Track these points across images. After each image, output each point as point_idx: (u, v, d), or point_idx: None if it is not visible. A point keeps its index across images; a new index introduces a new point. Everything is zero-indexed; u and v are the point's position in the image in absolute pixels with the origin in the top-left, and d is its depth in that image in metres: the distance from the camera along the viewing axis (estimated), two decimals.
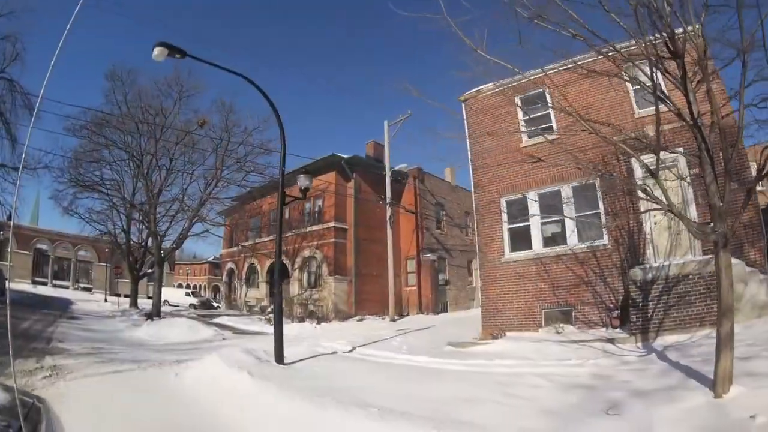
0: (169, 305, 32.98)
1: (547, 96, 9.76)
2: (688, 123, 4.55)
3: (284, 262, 25.29)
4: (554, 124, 10.31)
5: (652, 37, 4.60)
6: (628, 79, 5.73)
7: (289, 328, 17.49)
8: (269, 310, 24.66)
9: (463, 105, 11.97)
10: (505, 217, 10.78)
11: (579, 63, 5.68)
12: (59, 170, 20.27)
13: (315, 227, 23.63)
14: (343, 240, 22.97)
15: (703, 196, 6.75)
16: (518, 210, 10.68)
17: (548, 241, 10.38)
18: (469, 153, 11.63)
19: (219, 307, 35.42)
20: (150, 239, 21.37)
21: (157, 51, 7.41)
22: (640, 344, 7.78)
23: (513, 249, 10.64)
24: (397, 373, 7.34)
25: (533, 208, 10.36)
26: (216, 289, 64.36)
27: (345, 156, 22.90)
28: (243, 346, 10.12)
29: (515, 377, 6.45)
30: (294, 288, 24.18)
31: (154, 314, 19.63)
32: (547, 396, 5.34)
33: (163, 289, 38.81)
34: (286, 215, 26.06)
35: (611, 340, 8.10)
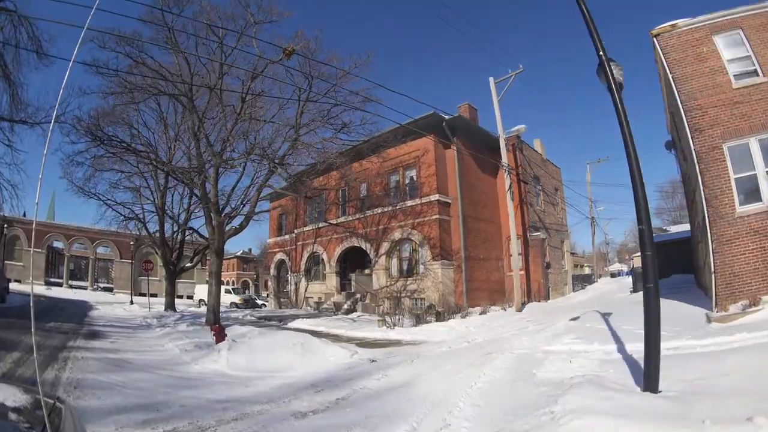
0: (206, 305, 28.21)
1: (743, 37, 10.03)
2: None
3: (363, 248, 20.42)
4: (758, 67, 9.83)
5: None
6: None
7: (432, 330, 12.57)
8: (345, 307, 19.83)
9: (655, 40, 10.72)
10: (730, 165, 9.89)
11: None
12: (76, 120, 14.89)
13: (410, 203, 18.66)
14: (447, 217, 18.08)
15: None
16: (740, 157, 9.86)
17: None
18: (676, 94, 10.37)
19: (264, 305, 30.66)
20: (206, 216, 15.63)
21: None
22: None
23: (742, 202, 9.67)
24: None
25: (757, 154, 9.66)
26: (246, 285, 59.72)
27: (446, 116, 17.74)
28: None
29: None
30: (381, 279, 19.31)
31: (212, 322, 14.67)
32: None
33: (198, 286, 34.29)
34: (364, 191, 21.10)
35: None
